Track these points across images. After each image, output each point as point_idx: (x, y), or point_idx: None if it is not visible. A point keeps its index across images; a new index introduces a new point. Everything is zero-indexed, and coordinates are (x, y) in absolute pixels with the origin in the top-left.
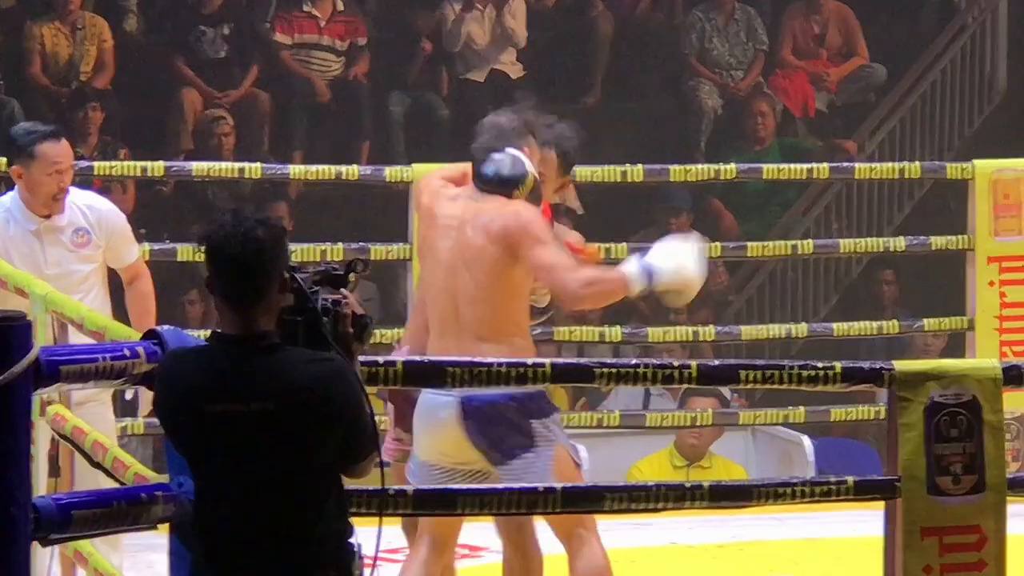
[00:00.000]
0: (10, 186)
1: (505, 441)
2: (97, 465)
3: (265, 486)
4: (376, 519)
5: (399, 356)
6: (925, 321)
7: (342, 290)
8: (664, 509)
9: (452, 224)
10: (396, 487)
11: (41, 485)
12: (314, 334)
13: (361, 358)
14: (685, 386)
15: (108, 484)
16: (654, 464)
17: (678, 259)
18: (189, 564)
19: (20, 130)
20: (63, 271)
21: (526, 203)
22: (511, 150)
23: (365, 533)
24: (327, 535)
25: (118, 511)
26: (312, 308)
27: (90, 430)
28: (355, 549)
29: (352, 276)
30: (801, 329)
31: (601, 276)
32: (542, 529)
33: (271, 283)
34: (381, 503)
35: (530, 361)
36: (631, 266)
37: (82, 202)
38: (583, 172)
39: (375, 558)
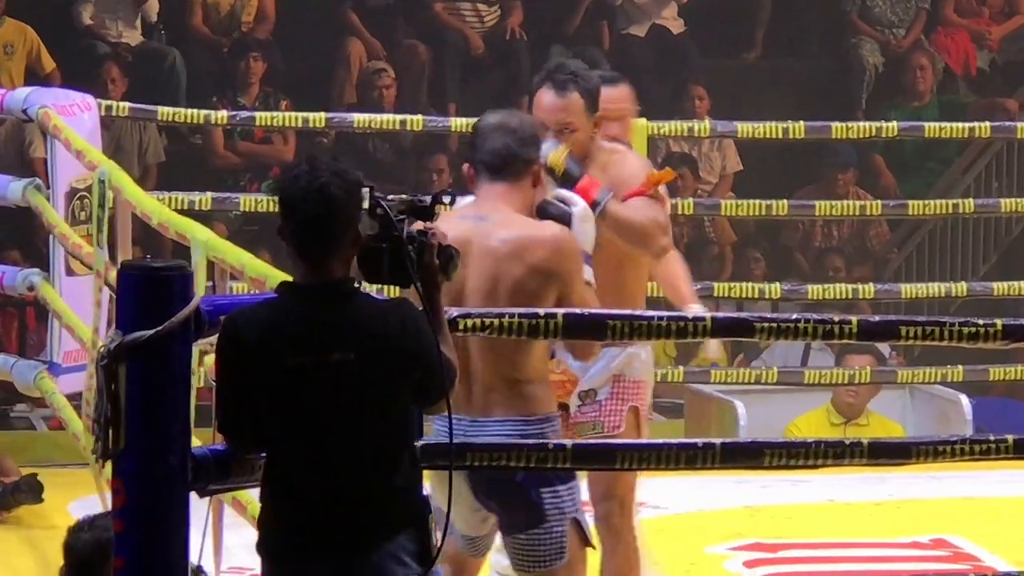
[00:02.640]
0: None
1: (513, 511)
2: None
3: (344, 437)
4: None
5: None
6: None
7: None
8: (823, 466)
9: None
10: (556, 441)
11: None
12: (398, 262)
13: (519, 310)
14: (845, 342)
15: None
16: (811, 421)
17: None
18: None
19: None
20: None
21: None
22: None
23: None
24: (403, 488)
25: None
26: (397, 236)
27: None
28: (429, 501)
29: (438, 207)
30: (961, 288)
31: None
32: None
33: (345, 234)
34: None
35: (691, 315)
36: None
37: None
38: (744, 129)
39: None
